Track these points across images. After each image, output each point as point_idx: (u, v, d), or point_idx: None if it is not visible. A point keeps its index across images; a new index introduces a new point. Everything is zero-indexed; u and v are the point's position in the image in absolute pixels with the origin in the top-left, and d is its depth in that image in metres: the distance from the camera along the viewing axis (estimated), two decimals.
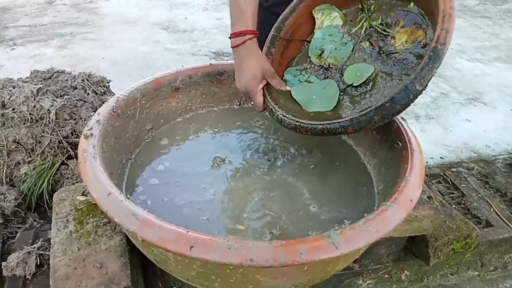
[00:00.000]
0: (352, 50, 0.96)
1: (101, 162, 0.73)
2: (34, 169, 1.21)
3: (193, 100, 1.13)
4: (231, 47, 0.89)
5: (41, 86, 1.26)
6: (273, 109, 0.91)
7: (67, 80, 1.40)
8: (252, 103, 0.97)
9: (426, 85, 0.75)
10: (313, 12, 0.98)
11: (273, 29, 0.97)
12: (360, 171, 0.96)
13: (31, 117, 1.20)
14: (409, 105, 0.76)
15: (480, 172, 1.38)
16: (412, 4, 0.90)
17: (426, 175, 1.36)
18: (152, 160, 0.96)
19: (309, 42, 1.01)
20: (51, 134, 1.21)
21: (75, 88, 1.37)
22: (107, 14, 2.68)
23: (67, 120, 1.23)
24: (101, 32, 2.44)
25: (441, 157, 1.59)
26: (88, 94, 1.32)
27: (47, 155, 1.22)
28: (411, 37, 0.90)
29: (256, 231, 0.77)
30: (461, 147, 1.65)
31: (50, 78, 1.43)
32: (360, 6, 0.97)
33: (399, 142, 0.84)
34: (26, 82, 1.35)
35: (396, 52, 0.92)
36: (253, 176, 0.94)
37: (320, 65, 0.98)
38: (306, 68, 0.99)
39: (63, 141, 1.21)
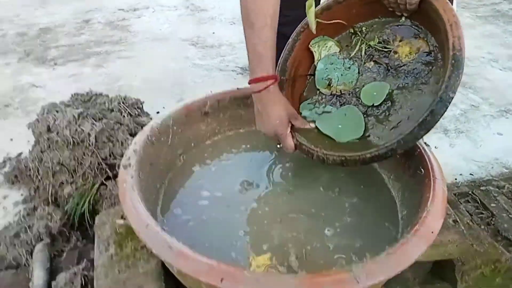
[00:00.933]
0: (359, 72, 0.99)
1: (139, 192, 0.80)
2: (76, 189, 1.30)
3: (221, 123, 1.18)
4: (252, 92, 0.91)
5: (82, 110, 1.35)
6: (310, 149, 0.92)
7: (104, 102, 1.49)
8: (280, 145, 0.98)
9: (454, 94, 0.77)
10: (310, 47, 1.00)
11: (278, 72, 0.98)
12: (384, 195, 0.98)
13: (73, 141, 1.29)
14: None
15: (511, 191, 1.36)
16: (403, 18, 0.92)
17: (454, 194, 1.36)
18: (184, 184, 1.02)
19: (312, 75, 1.02)
20: (91, 156, 1.30)
21: (112, 110, 1.46)
22: (138, 31, 2.80)
23: (105, 143, 1.31)
24: (133, 49, 2.55)
25: (470, 174, 1.57)
26: (124, 116, 1.40)
27: (88, 176, 1.31)
28: (413, 48, 0.93)
29: (281, 254, 0.81)
30: (492, 163, 1.62)
31: (89, 101, 1.53)
32: (351, 30, 0.99)
33: (422, 169, 0.86)
34: (68, 106, 1.45)
35: (404, 65, 0.94)
36: (279, 199, 0.98)
37: (332, 94, 1.00)
38: (318, 100, 1.01)
39: (102, 163, 1.29)
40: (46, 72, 2.29)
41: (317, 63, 1.01)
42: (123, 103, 1.46)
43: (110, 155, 1.31)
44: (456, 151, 1.70)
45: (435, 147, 1.71)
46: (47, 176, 1.29)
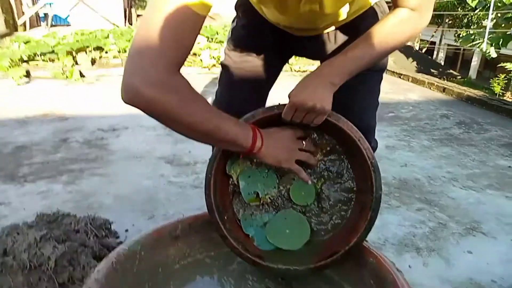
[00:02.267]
0: (277, 177, 1.06)
1: None
2: None
3: (192, 246, 1.15)
4: (259, 148, 0.92)
5: (45, 232, 1.29)
6: (287, 269, 0.98)
7: (71, 223, 1.45)
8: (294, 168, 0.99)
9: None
10: (228, 173, 1.05)
11: (213, 214, 1.02)
12: None
13: (30, 265, 1.21)
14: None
15: None
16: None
17: None
18: None
19: (234, 193, 1.07)
20: (47, 282, 1.20)
21: (78, 231, 1.40)
22: (116, 150, 2.88)
23: (65, 267, 1.23)
24: (108, 167, 2.58)
25: None
26: (90, 238, 1.35)
27: None
28: (317, 149, 1.05)
29: None
30: (466, 283, 1.60)
31: (55, 221, 1.48)
32: None
33: None
34: (31, 227, 1.39)
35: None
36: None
37: (262, 204, 1.06)
38: (253, 213, 1.06)
39: None
40: (13, 189, 2.24)
41: (237, 181, 1.05)
42: (90, 224, 1.41)
43: (68, 280, 1.21)
44: (430, 271, 1.68)
45: (409, 266, 1.69)
46: None
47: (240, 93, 1.25)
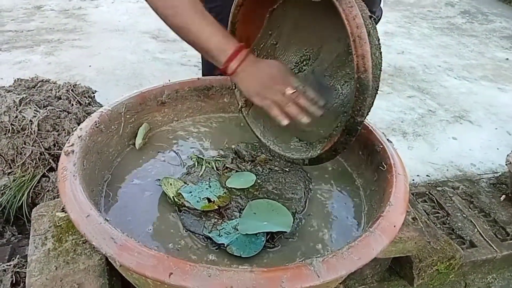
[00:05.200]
0: (222, 185, 0.89)
1: (81, 181, 0.71)
2: (14, 180, 1.18)
3: (179, 114, 1.12)
4: (233, 70, 0.81)
5: (24, 96, 1.23)
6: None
7: (51, 89, 1.37)
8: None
9: (367, 113, 0.73)
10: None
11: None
12: (348, 189, 0.95)
13: (12, 128, 1.17)
14: (357, 134, 0.74)
15: (465, 192, 1.39)
16: None
17: (412, 194, 1.37)
18: (132, 171, 0.93)
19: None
20: (32, 146, 1.18)
21: (59, 98, 1.34)
22: (96, 21, 2.66)
23: (49, 132, 1.20)
24: (89, 39, 2.41)
25: (427, 175, 1.60)
26: (72, 105, 1.29)
27: (28, 167, 1.19)
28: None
29: None
30: (447, 165, 1.67)
31: (34, 87, 1.40)
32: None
33: (384, 165, 0.84)
34: (9, 92, 1.32)
35: None
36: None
37: (219, 208, 0.83)
38: (215, 223, 0.80)
39: (44, 152, 1.18)
40: None
41: (174, 199, 0.83)
42: (72, 91, 1.35)
43: (54, 145, 1.20)
44: (413, 154, 1.73)
45: None
46: None
47: None
